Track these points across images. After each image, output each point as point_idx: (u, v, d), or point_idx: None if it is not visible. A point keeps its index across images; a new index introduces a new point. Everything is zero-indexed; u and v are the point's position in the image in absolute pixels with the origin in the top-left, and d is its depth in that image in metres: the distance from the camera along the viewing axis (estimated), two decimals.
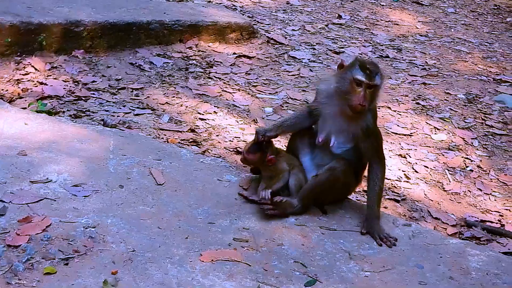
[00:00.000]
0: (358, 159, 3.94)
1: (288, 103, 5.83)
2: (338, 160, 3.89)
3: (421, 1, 10.17)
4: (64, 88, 5.32)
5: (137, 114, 5.16)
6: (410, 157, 5.24)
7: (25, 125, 4.44)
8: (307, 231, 3.80)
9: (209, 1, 8.13)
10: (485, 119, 6.16)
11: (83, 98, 5.25)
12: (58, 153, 4.15)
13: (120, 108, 5.21)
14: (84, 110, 5.08)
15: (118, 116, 5.06)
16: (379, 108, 5.99)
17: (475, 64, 7.70)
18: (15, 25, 5.57)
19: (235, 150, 4.89)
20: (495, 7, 10.54)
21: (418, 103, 6.32)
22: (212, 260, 3.41)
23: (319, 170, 3.92)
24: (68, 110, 5.02)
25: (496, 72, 7.52)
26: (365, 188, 4.61)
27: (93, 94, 5.36)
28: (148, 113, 5.22)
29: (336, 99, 3.86)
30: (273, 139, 4.11)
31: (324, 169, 3.88)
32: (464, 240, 4.10)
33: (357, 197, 4.55)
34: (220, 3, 8.14)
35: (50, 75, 5.51)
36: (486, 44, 8.59)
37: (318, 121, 3.99)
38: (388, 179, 4.87)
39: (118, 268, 3.24)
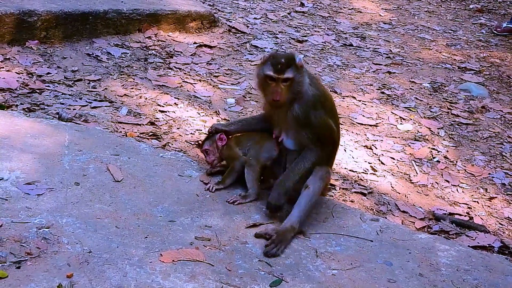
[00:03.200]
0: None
1: (250, 93, 5.68)
2: (322, 171, 3.83)
3: None
4: (17, 81, 5.09)
5: (94, 107, 4.97)
6: (376, 148, 5.13)
7: None
8: (273, 227, 3.66)
9: None
10: (451, 108, 6.08)
11: (38, 91, 5.04)
12: (10, 149, 3.96)
13: (76, 101, 5.00)
14: (39, 103, 4.87)
15: (74, 109, 4.86)
16: (343, 98, 5.89)
17: (440, 52, 7.62)
18: None
19: (196, 143, 4.73)
20: None
21: (383, 93, 6.22)
22: (173, 260, 3.27)
23: (308, 180, 3.78)
24: (21, 104, 4.81)
25: (461, 60, 7.45)
26: (332, 182, 4.53)
27: (48, 86, 5.15)
28: (105, 106, 5.03)
29: (262, 98, 3.85)
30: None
31: (312, 186, 3.75)
32: (433, 235, 4.00)
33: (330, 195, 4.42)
34: None
35: (3, 67, 5.28)
36: (450, 31, 8.53)
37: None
38: (354, 172, 4.76)
39: (73, 271, 3.09)
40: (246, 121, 4.21)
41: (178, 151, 4.49)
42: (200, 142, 4.66)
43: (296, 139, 3.85)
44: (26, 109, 4.74)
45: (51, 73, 5.36)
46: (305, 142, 3.80)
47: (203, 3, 7.60)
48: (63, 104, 4.92)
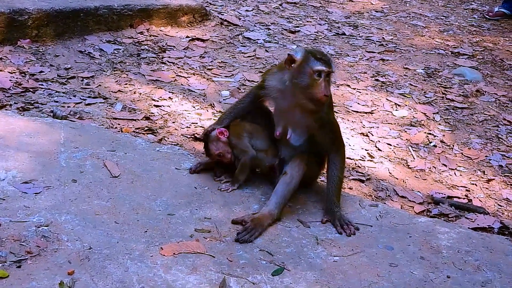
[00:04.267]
0: (318, 148, 3.84)
1: (245, 85, 5.67)
2: (300, 158, 3.79)
3: None
4: (10, 80, 5.07)
5: (88, 104, 4.95)
6: (373, 135, 5.12)
7: None
8: None
9: None
10: (446, 93, 6.07)
11: (31, 90, 5.02)
12: (5, 149, 3.94)
13: (71, 98, 4.99)
14: (33, 102, 4.85)
15: (68, 106, 4.85)
16: (338, 87, 5.88)
17: (432, 38, 7.62)
18: None
19: (192, 136, 4.72)
20: None
21: (377, 80, 6.21)
22: (173, 253, 3.26)
23: (285, 166, 3.79)
24: (15, 103, 4.79)
25: (454, 45, 7.45)
26: None
27: (42, 85, 5.13)
28: (100, 102, 5.01)
29: (292, 95, 3.68)
30: None
31: (290, 171, 3.74)
32: (432, 218, 3.99)
33: (322, 180, 4.41)
34: None
35: None
36: (442, 17, 8.53)
37: (273, 114, 3.93)
38: (351, 159, 4.75)
39: (74, 268, 3.07)
40: (235, 111, 4.09)
41: (174, 144, 4.48)
42: (197, 135, 4.66)
43: (307, 137, 3.81)
44: (20, 108, 4.72)
45: (44, 72, 5.34)
46: (324, 143, 3.78)
47: None
48: (57, 102, 4.91)
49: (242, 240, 3.43)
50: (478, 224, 4.09)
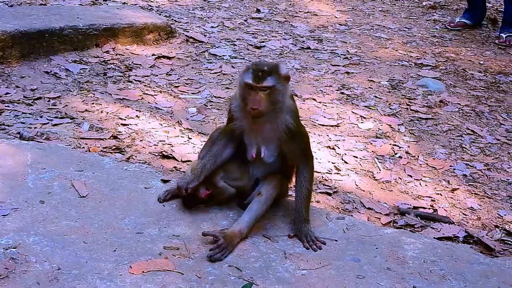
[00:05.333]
0: (289, 162, 3.87)
1: (212, 101, 5.71)
2: (275, 178, 3.82)
3: None
4: None
5: (55, 124, 4.96)
6: (339, 148, 5.18)
7: None
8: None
9: (124, 3, 7.93)
10: (410, 104, 6.17)
11: None
12: None
13: (37, 119, 4.99)
14: None
15: (35, 127, 4.85)
16: (303, 101, 5.94)
17: (396, 50, 7.73)
18: None
19: (160, 154, 4.74)
20: None
21: (342, 93, 6.28)
22: (142, 271, 3.28)
23: (260, 187, 3.81)
24: None
25: (417, 56, 7.56)
26: None
27: (8, 106, 5.12)
28: (67, 122, 5.02)
29: (243, 109, 3.70)
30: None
31: (264, 193, 3.76)
32: (398, 229, 4.06)
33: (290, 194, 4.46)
34: (136, 4, 7.95)
35: None
36: (404, 29, 8.65)
37: (243, 137, 3.84)
38: (318, 172, 4.80)
39: None
40: (210, 160, 3.86)
41: (142, 163, 4.50)
42: (164, 153, 4.67)
43: (279, 152, 3.81)
44: None
45: (10, 93, 5.33)
46: (293, 154, 3.78)
47: (160, 14, 7.63)
48: (23, 123, 4.91)
49: (214, 259, 3.44)
50: (443, 234, 4.16)
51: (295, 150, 3.77)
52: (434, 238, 3.96)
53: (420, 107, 6.12)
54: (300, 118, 5.27)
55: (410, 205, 4.53)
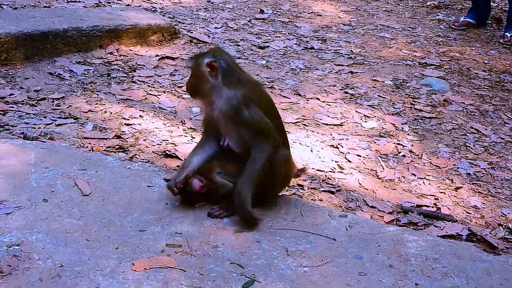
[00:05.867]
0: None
1: None
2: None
3: None
4: None
5: (59, 124, 4.97)
6: (342, 147, 5.18)
7: None
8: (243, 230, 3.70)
9: (128, 5, 7.95)
10: (414, 103, 6.16)
11: (1, 112, 5.03)
12: None
13: (41, 120, 5.00)
14: (3, 124, 4.86)
15: (39, 128, 4.86)
16: (307, 100, 5.95)
17: (400, 50, 7.73)
18: None
19: (163, 153, 4.75)
20: None
21: (346, 92, 6.28)
22: (145, 268, 3.28)
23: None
24: None
25: (421, 56, 7.56)
26: (299, 182, 4.59)
27: (12, 107, 5.14)
28: (70, 123, 5.03)
29: None
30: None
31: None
32: (401, 227, 4.06)
33: (291, 191, 4.46)
34: (139, 6, 7.97)
35: None
36: (409, 29, 8.64)
37: None
38: (322, 171, 4.81)
39: (46, 286, 3.09)
40: (193, 151, 3.99)
41: (145, 162, 4.51)
42: (167, 152, 4.69)
43: (239, 140, 3.82)
44: None
45: (14, 94, 5.35)
46: (247, 140, 3.78)
47: (163, 16, 7.64)
48: (27, 123, 4.92)
49: (213, 215, 3.68)
50: (446, 232, 4.16)
51: (243, 136, 3.77)
52: (437, 236, 3.95)
53: (424, 106, 6.12)
54: (304, 117, 5.35)
55: (414, 203, 4.52)
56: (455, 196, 4.69)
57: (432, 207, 4.52)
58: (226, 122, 3.78)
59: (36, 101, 5.32)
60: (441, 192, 4.72)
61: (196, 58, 3.85)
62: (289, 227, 3.77)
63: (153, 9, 7.93)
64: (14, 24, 5.98)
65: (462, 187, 4.81)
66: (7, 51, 5.78)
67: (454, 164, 5.11)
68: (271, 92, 6.01)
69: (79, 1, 7.72)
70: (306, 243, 3.62)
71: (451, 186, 4.82)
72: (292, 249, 3.56)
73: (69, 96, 5.50)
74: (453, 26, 8.79)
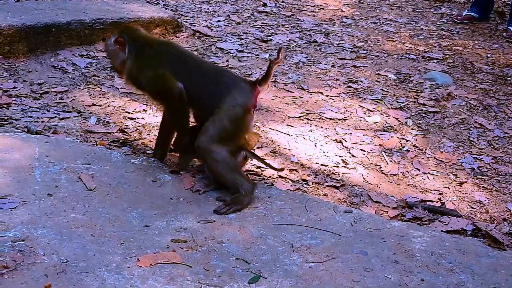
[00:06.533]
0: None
1: None
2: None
3: None
4: None
5: (62, 118, 4.96)
6: (346, 141, 5.17)
7: None
8: (247, 225, 3.69)
9: None
10: (417, 97, 6.15)
11: (5, 106, 5.02)
12: None
13: (44, 113, 4.99)
14: (6, 118, 4.84)
15: (42, 121, 4.85)
16: (311, 94, 5.93)
17: (403, 44, 7.71)
18: None
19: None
20: None
21: (349, 86, 6.27)
22: (150, 264, 3.28)
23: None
24: None
25: (424, 50, 7.54)
26: (304, 177, 4.58)
27: (15, 100, 5.13)
28: (74, 116, 5.02)
29: None
30: None
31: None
32: (406, 222, 4.06)
33: (295, 186, 4.46)
34: None
35: None
36: (412, 22, 8.62)
37: None
38: (326, 166, 4.80)
39: (51, 281, 3.08)
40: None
41: (149, 156, 4.50)
42: (171, 147, 4.67)
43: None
44: None
45: (17, 87, 5.34)
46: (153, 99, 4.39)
47: (166, 9, 7.61)
48: (31, 117, 4.91)
49: (220, 212, 3.79)
50: (451, 227, 4.15)
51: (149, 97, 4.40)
52: (442, 231, 3.96)
53: (427, 100, 6.11)
54: (307, 111, 5.34)
55: (418, 198, 4.52)
56: (459, 191, 4.68)
57: (437, 202, 4.51)
58: (134, 89, 4.55)
59: (39, 94, 5.31)
60: (446, 187, 4.72)
61: (106, 40, 4.30)
62: (294, 222, 3.77)
63: (155, 2, 7.90)
64: (17, 17, 5.96)
65: (466, 182, 4.80)
66: (10, 44, 5.76)
67: (458, 159, 5.10)
68: (274, 86, 6.00)
69: None
70: (311, 239, 3.62)
71: (455, 181, 4.81)
72: (297, 245, 3.55)
73: (72, 89, 5.49)
74: (456, 20, 8.77)
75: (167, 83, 3.98)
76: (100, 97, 5.41)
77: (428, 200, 4.51)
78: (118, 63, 4.25)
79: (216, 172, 3.95)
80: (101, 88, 5.57)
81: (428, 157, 5.10)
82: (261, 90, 4.00)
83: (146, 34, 4.33)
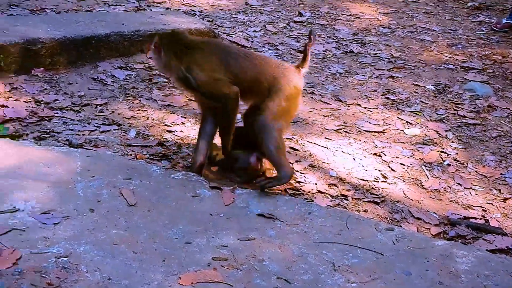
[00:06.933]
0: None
1: None
2: None
3: None
4: (26, 110, 5.11)
5: (103, 131, 4.99)
6: (385, 155, 5.14)
7: None
8: (288, 243, 3.68)
9: (167, 8, 7.97)
10: (457, 109, 6.09)
11: (46, 118, 5.06)
12: (24, 179, 3.97)
13: (85, 126, 5.03)
14: (48, 131, 4.89)
15: (83, 134, 4.89)
16: (348, 106, 5.91)
17: (441, 53, 7.64)
18: None
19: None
20: None
21: (387, 98, 6.23)
22: (192, 283, 3.28)
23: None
24: (31, 132, 4.83)
25: (463, 59, 7.47)
26: (343, 193, 4.56)
27: (57, 113, 5.17)
28: (114, 129, 5.05)
29: None
30: None
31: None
32: (449, 241, 4.01)
33: (335, 201, 4.44)
34: (179, 9, 7.98)
35: (11, 97, 5.30)
36: (449, 31, 8.55)
37: None
38: (365, 180, 4.77)
39: None
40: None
41: (188, 170, 4.51)
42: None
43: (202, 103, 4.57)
44: (36, 138, 4.76)
45: (58, 100, 5.38)
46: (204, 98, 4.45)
47: (202, 19, 7.63)
48: (72, 130, 4.95)
49: (260, 183, 4.24)
50: (496, 246, 4.09)
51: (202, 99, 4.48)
52: (486, 250, 3.90)
53: (467, 112, 6.04)
54: (345, 124, 5.32)
55: (461, 215, 4.46)
56: (503, 208, 4.62)
57: (480, 219, 4.45)
58: (184, 90, 4.68)
59: (80, 107, 5.35)
60: (489, 203, 4.65)
61: (148, 45, 4.54)
62: (335, 240, 3.74)
63: (192, 13, 7.93)
64: (58, 29, 6.01)
65: (510, 197, 4.74)
66: (51, 56, 5.81)
67: (501, 173, 5.04)
68: (312, 97, 5.99)
69: (120, 5, 7.74)
70: (352, 258, 3.60)
71: (498, 196, 4.75)
72: (338, 264, 3.53)
73: (112, 101, 5.52)
74: (495, 28, 8.67)
75: (224, 88, 4.24)
76: (139, 110, 5.44)
77: (471, 217, 4.45)
78: (161, 66, 4.43)
79: (267, 148, 4.25)
80: (140, 100, 5.60)
81: (469, 172, 5.05)
82: (304, 73, 4.42)
83: (186, 36, 4.48)
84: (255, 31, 7.67)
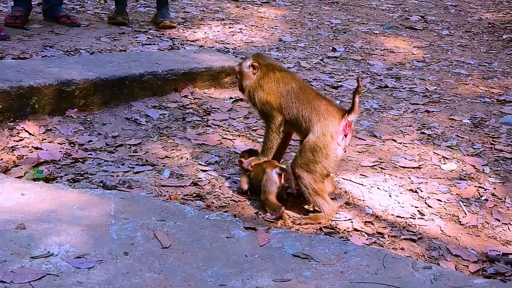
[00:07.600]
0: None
1: (290, 144, 5.66)
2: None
3: (414, 26, 10.08)
4: (60, 152, 5.16)
5: (137, 172, 5.00)
6: (422, 191, 5.07)
7: (22, 196, 4.28)
8: (324, 284, 3.62)
9: (201, 46, 8.02)
10: (494, 143, 6.00)
11: (80, 160, 5.10)
12: (57, 223, 3.99)
13: (119, 167, 5.05)
14: (82, 172, 4.92)
15: (117, 175, 4.90)
16: (383, 142, 5.86)
17: (477, 86, 7.57)
18: (5, 91, 5.45)
19: (239, 201, 4.72)
20: (490, 25, 10.45)
21: (423, 133, 6.17)
22: None
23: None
24: (66, 175, 4.87)
25: (499, 92, 7.38)
26: (379, 230, 4.50)
27: (90, 154, 5.21)
28: (148, 170, 5.06)
29: None
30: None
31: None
32: (488, 279, 3.92)
33: (371, 239, 4.37)
34: (212, 47, 8.03)
35: (45, 139, 5.36)
36: (485, 64, 8.47)
37: None
38: (401, 217, 4.70)
39: None
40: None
41: (223, 211, 4.49)
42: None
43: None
44: (70, 180, 4.79)
45: (92, 141, 5.42)
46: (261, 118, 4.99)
47: (236, 57, 7.67)
48: (106, 171, 4.97)
49: (296, 223, 4.52)
50: None
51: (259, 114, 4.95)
52: None
53: (504, 146, 5.95)
54: (380, 160, 5.27)
55: (499, 251, 4.37)
56: None
57: None
58: (250, 106, 5.12)
59: (113, 147, 5.38)
60: None
61: (241, 62, 4.91)
62: (372, 280, 3.68)
63: (225, 50, 7.98)
64: (92, 70, 6.09)
65: None
66: (85, 97, 5.87)
67: None
68: None
69: (154, 44, 7.82)
70: None
71: None
72: None
73: (146, 141, 5.54)
74: None
75: (273, 112, 4.67)
76: (173, 149, 5.45)
77: (510, 254, 4.36)
78: (246, 83, 4.83)
79: (304, 192, 4.54)
80: (173, 140, 5.61)
81: (508, 207, 4.95)
82: (351, 120, 4.48)
83: (272, 62, 4.92)
84: (288, 67, 7.66)
